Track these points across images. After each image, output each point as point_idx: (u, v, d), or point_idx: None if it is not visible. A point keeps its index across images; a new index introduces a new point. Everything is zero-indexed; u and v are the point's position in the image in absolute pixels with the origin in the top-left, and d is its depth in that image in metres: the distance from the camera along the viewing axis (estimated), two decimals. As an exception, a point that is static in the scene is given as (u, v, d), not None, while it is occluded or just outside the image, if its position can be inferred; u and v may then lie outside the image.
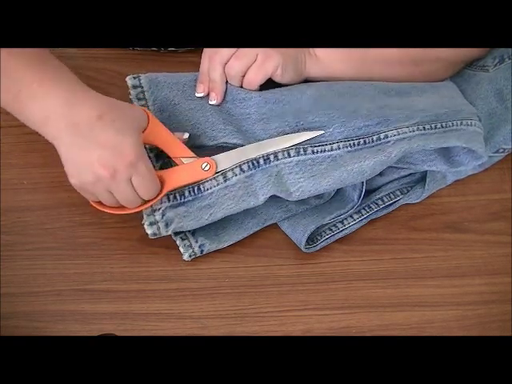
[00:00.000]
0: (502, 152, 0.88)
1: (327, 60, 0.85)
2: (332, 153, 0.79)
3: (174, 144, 0.79)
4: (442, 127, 0.82)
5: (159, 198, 0.76)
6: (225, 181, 0.78)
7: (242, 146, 0.81)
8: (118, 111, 0.74)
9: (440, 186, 0.86)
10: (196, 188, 0.78)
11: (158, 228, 0.77)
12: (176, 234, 0.79)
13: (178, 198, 0.78)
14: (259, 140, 0.81)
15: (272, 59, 0.81)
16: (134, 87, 0.83)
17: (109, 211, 0.77)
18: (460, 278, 0.80)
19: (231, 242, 0.80)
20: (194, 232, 0.79)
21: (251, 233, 0.81)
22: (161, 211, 0.77)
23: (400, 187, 0.85)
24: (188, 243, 0.79)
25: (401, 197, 0.84)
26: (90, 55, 0.90)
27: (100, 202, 0.76)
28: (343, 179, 0.79)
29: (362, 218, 0.82)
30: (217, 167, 0.79)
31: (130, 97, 0.83)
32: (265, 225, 0.81)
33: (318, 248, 0.81)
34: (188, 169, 0.78)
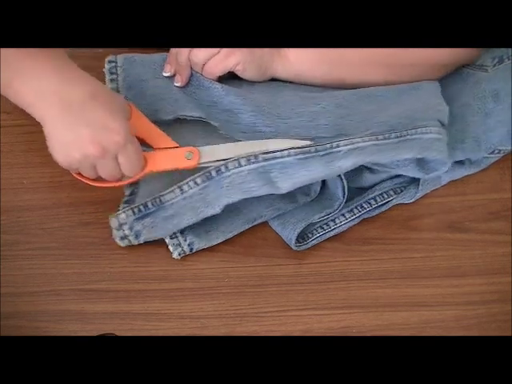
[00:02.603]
0: (498, 153, 0.88)
1: (297, 61, 0.86)
2: (283, 160, 0.79)
3: (157, 135, 0.80)
4: (397, 137, 0.80)
5: (139, 176, 0.78)
6: (181, 193, 0.79)
7: (201, 119, 0.83)
8: (108, 94, 0.77)
9: (435, 187, 0.86)
10: (158, 199, 0.79)
11: (130, 241, 0.79)
12: None
13: (143, 209, 0.79)
14: (222, 126, 0.84)
15: (234, 55, 0.83)
16: (110, 62, 0.87)
17: (88, 182, 0.79)
18: (460, 278, 0.80)
19: (220, 241, 0.80)
20: (182, 230, 0.79)
21: (241, 231, 0.81)
22: (128, 225, 0.78)
23: (393, 187, 0.84)
24: (177, 242, 0.79)
25: (394, 197, 0.84)
26: (90, 55, 0.90)
27: (80, 173, 0.78)
28: (293, 187, 0.79)
29: (354, 217, 0.82)
30: (200, 157, 0.80)
31: (103, 70, 0.87)
32: (254, 223, 0.81)
33: (309, 246, 0.80)
34: (171, 154, 0.79)
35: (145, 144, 0.80)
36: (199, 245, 0.79)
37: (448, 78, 0.90)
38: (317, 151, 0.79)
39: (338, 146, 0.79)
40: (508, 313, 0.77)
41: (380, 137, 0.80)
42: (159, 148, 0.80)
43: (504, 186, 0.87)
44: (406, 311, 0.77)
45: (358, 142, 0.79)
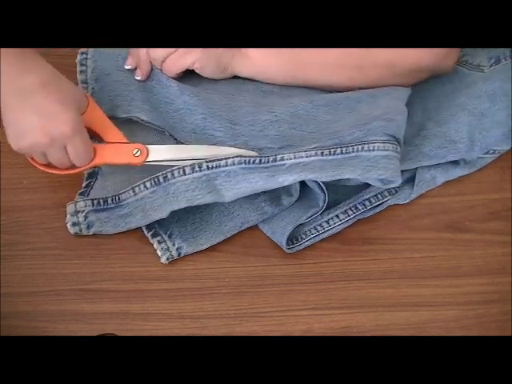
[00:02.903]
0: (493, 153, 0.88)
1: (258, 60, 0.86)
2: (227, 168, 0.79)
3: (109, 129, 0.82)
4: (342, 153, 0.79)
5: (87, 167, 0.80)
6: (134, 194, 0.80)
7: (152, 125, 0.85)
8: (62, 84, 0.78)
9: (430, 187, 0.85)
10: (117, 197, 0.80)
11: (80, 229, 0.80)
12: (153, 236, 0.80)
13: (102, 203, 0.80)
14: (175, 128, 0.85)
15: (191, 54, 0.85)
16: (81, 53, 0.89)
17: (40, 168, 0.80)
18: (460, 278, 0.80)
19: (208, 245, 0.80)
20: (170, 235, 0.80)
21: (228, 236, 0.81)
22: (84, 214, 0.80)
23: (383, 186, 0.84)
24: (165, 246, 0.79)
25: (389, 197, 0.83)
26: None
27: (34, 159, 0.80)
28: (237, 196, 0.79)
29: (349, 218, 0.82)
30: (148, 155, 0.81)
31: (76, 60, 0.88)
32: (242, 228, 0.81)
33: (302, 247, 0.80)
34: (120, 149, 0.82)
35: (97, 137, 0.82)
36: (187, 249, 0.80)
37: (444, 78, 0.90)
38: (261, 163, 0.79)
39: (282, 160, 0.79)
40: (508, 313, 0.77)
41: (326, 152, 0.80)
42: (110, 142, 0.82)
43: (504, 186, 0.87)
44: (406, 311, 0.77)
45: (302, 157, 0.79)
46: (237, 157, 0.80)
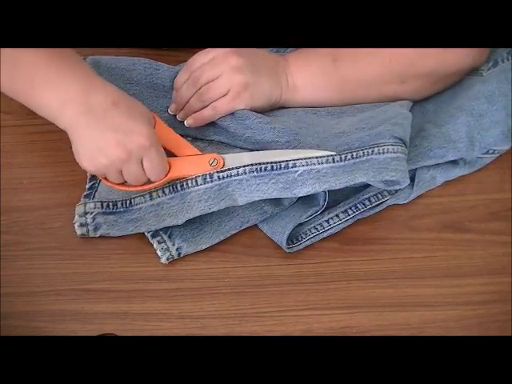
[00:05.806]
0: (492, 153, 0.87)
1: (307, 91, 0.86)
2: (238, 177, 0.80)
3: (181, 144, 0.81)
4: (353, 158, 0.80)
5: (163, 181, 0.79)
6: (151, 199, 0.80)
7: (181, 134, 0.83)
8: (131, 102, 0.77)
9: (429, 187, 0.85)
10: (128, 202, 0.80)
11: (88, 230, 0.80)
12: (153, 236, 0.80)
13: (111, 207, 0.80)
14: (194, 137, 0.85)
15: (241, 98, 0.83)
16: None
17: (114, 186, 0.79)
18: (460, 278, 0.80)
19: (208, 245, 0.80)
20: (170, 235, 0.80)
21: (228, 236, 0.81)
22: (92, 215, 0.80)
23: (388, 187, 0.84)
24: (165, 246, 0.79)
25: (388, 197, 0.83)
26: (90, 55, 0.90)
27: (107, 178, 0.78)
28: (250, 200, 0.80)
29: (348, 217, 0.82)
30: (224, 164, 0.80)
31: None
32: (242, 228, 0.81)
33: (302, 247, 0.80)
34: (195, 160, 0.80)
35: (169, 153, 0.81)
36: (187, 249, 0.80)
37: None
38: (273, 169, 0.79)
39: (294, 166, 0.79)
40: (508, 313, 0.77)
41: (336, 158, 0.80)
42: (183, 156, 0.81)
43: (504, 186, 0.87)
44: (406, 311, 0.77)
45: (314, 164, 0.79)
46: (248, 165, 0.80)
